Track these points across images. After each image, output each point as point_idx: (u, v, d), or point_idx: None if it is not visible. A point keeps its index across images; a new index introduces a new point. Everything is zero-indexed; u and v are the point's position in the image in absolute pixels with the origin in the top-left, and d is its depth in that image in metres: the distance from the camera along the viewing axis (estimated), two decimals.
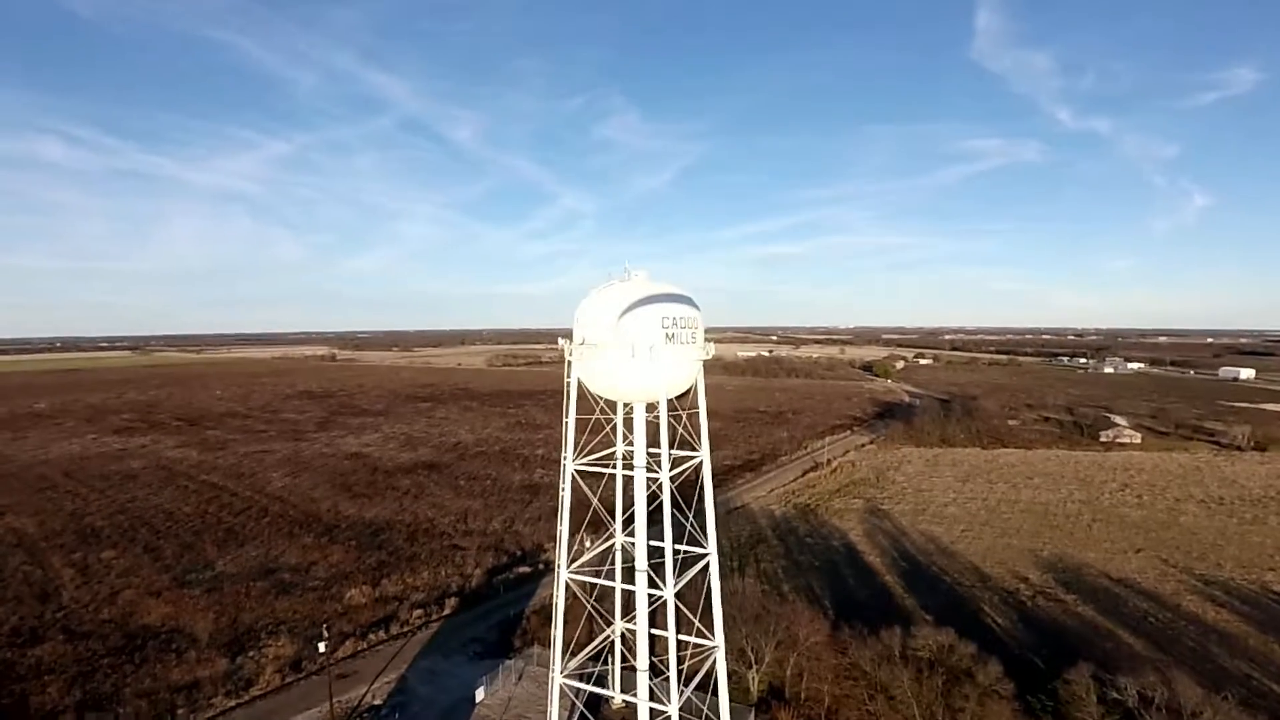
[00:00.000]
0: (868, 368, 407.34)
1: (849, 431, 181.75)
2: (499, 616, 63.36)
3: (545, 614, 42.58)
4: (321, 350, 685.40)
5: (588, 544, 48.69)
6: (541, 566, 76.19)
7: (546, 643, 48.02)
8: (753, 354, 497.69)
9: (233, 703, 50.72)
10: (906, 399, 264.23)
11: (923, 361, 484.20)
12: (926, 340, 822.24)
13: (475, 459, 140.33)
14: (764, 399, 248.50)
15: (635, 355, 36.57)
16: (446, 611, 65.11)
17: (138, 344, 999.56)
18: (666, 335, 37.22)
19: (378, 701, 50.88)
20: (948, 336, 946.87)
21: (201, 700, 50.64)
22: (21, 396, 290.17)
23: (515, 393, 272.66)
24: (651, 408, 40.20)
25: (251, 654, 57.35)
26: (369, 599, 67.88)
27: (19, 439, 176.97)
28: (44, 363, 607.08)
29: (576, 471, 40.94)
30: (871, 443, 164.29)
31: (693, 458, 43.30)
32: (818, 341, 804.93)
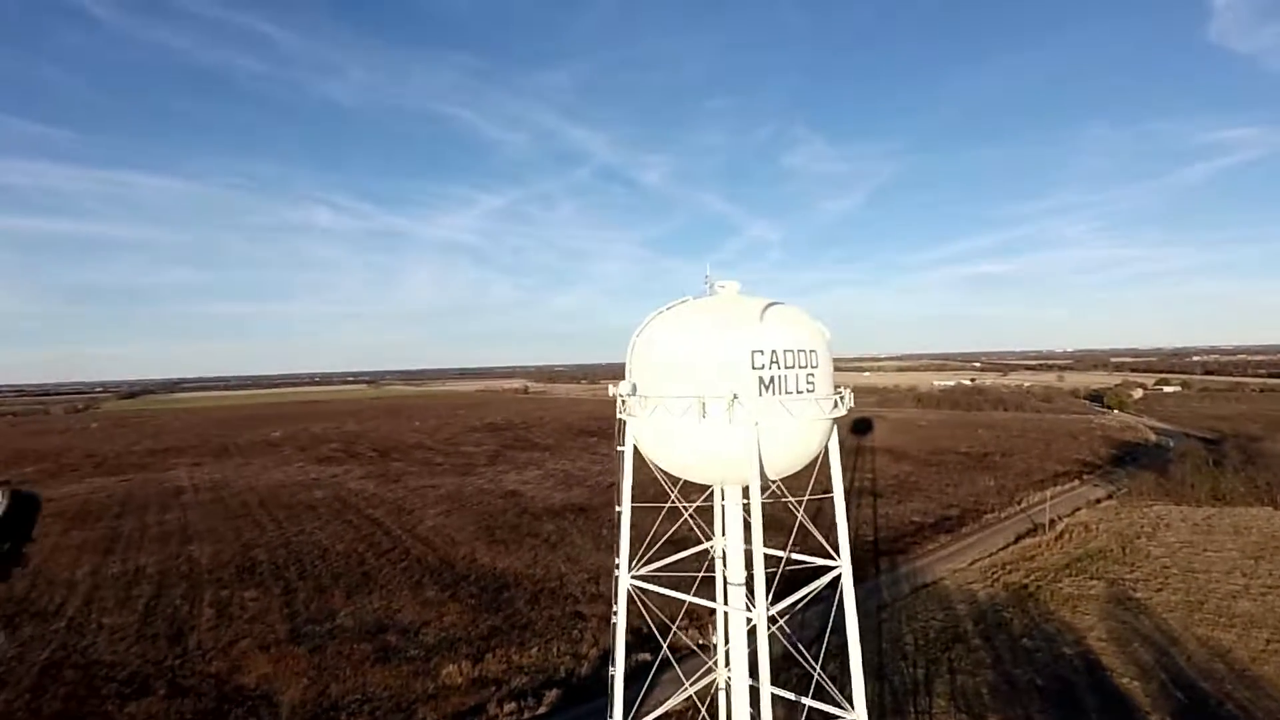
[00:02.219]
0: (1096, 397, 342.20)
1: (1077, 481, 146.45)
2: None
3: None
4: (519, 384, 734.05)
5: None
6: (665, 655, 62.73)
7: None
8: (951, 383, 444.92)
9: None
10: (1153, 437, 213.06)
11: (1167, 389, 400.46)
12: (1169, 363, 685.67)
13: None
14: (964, 437, 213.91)
15: (706, 414, 22.94)
16: (542, 709, 54.16)
17: (374, 378, 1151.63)
18: (761, 381, 23.07)
19: None
20: (1198, 358, 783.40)
21: None
22: (266, 425, 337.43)
23: None
24: (749, 493, 26.07)
25: None
26: (466, 679, 59.18)
27: (245, 465, 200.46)
28: (297, 394, 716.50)
29: (636, 587, 27.88)
30: (1111, 497, 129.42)
31: (829, 569, 28.25)
32: (1029, 367, 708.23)
